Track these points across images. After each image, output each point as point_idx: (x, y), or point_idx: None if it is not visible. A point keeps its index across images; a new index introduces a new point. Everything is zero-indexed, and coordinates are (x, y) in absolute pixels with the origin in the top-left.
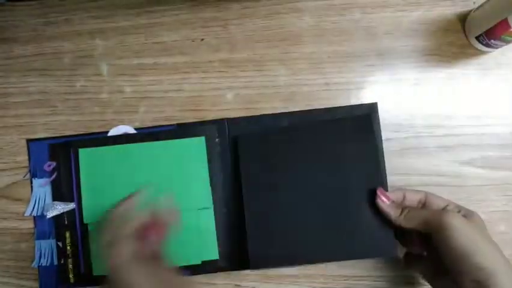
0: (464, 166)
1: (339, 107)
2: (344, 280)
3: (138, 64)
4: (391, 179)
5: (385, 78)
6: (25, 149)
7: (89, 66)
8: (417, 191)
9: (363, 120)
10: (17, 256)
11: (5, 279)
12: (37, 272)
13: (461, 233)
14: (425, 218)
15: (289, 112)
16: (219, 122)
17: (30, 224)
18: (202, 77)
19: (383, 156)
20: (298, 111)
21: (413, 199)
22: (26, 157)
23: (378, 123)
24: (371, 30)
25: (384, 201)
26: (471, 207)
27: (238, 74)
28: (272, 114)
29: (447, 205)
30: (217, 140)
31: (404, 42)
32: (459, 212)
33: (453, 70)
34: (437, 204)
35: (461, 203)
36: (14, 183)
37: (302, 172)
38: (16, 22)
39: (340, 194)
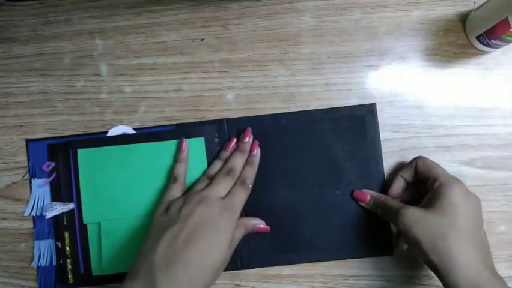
0: (463, 166)
1: (339, 107)
2: (343, 280)
3: (138, 64)
4: (390, 178)
5: (385, 78)
6: (25, 149)
7: (88, 66)
8: (409, 167)
9: (358, 121)
10: (17, 256)
11: (5, 279)
12: (36, 272)
13: (408, 235)
14: (387, 215)
15: (288, 112)
16: (218, 122)
17: (29, 224)
18: (202, 77)
19: (381, 156)
20: (298, 111)
21: (411, 175)
22: (26, 157)
23: (377, 123)
24: (371, 30)
25: (364, 202)
26: None
27: (238, 74)
28: (271, 114)
29: (429, 178)
30: (216, 140)
31: (405, 42)
32: (436, 185)
33: (453, 70)
34: (424, 173)
35: None
36: (13, 183)
37: (300, 171)
38: (16, 22)
39: (337, 194)
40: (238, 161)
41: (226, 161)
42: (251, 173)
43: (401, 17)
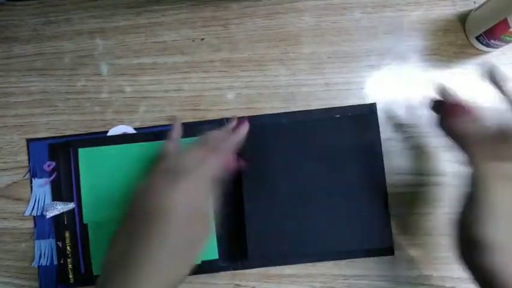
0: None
1: (339, 107)
2: (344, 280)
3: (138, 64)
4: (391, 178)
5: (385, 78)
6: (25, 148)
7: (89, 65)
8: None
9: (360, 120)
10: (17, 256)
11: (5, 279)
12: (37, 272)
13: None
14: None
15: (288, 112)
16: (218, 122)
17: (30, 224)
18: (202, 77)
19: (382, 156)
20: (298, 111)
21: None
22: (27, 157)
23: (377, 123)
24: (371, 30)
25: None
26: None
27: (239, 74)
28: (272, 114)
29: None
30: None
31: (404, 42)
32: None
33: (453, 70)
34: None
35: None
36: (14, 183)
37: (301, 170)
38: (16, 22)
39: (338, 194)
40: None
41: None
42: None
43: (401, 17)
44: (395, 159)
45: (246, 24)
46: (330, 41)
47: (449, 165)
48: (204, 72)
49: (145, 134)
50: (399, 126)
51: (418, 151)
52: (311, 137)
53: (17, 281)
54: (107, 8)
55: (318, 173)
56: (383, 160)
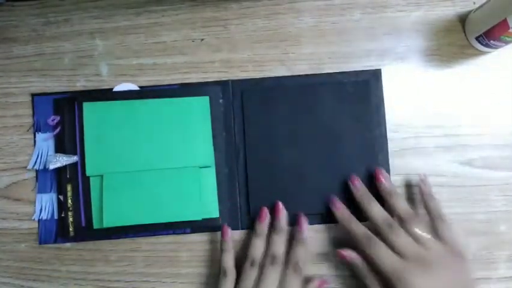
0: (463, 166)
1: (343, 72)
2: (343, 280)
3: (138, 64)
4: (391, 179)
5: (384, 78)
6: (25, 149)
7: (89, 66)
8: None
9: (363, 86)
10: (17, 256)
11: (5, 279)
12: (37, 273)
13: None
14: (386, 272)
15: (293, 75)
16: (223, 83)
17: (29, 224)
18: (202, 77)
19: (385, 121)
20: (302, 75)
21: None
22: (27, 157)
23: (381, 89)
24: (370, 30)
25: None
26: (471, 208)
27: (238, 74)
28: (277, 77)
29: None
30: (221, 100)
31: (404, 43)
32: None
33: (453, 70)
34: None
35: (461, 203)
36: (14, 183)
37: (303, 133)
38: (16, 22)
39: (339, 158)
40: (278, 245)
41: (266, 238)
42: (301, 253)
43: (401, 18)
44: (395, 159)
45: (246, 25)
46: (330, 42)
47: (449, 165)
48: (204, 72)
49: (149, 91)
50: (399, 127)
51: (417, 151)
52: (315, 100)
53: (16, 282)
54: (107, 8)
55: (318, 136)
56: (386, 125)
